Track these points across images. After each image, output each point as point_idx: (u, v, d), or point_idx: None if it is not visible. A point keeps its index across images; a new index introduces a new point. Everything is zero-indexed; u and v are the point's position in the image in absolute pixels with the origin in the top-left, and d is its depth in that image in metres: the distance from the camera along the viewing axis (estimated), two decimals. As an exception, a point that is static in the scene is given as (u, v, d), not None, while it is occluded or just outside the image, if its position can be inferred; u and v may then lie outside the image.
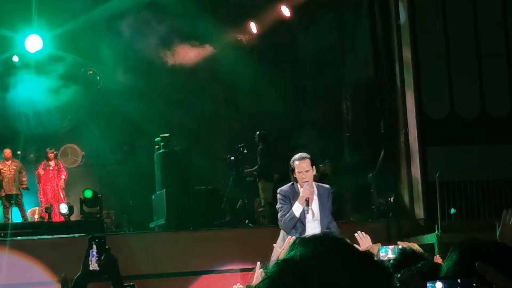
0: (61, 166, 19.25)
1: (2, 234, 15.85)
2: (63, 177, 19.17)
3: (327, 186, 9.10)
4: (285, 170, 17.58)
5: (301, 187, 8.65)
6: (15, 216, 18.76)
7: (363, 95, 18.70)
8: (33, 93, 20.09)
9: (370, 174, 17.67)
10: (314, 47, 19.17)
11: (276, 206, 8.99)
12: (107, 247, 4.03)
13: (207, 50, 20.15)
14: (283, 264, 1.70)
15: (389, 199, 17.01)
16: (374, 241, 6.16)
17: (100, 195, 18.38)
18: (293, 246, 1.74)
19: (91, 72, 20.25)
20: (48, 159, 19.01)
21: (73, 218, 18.58)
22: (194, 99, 19.28)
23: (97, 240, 4.05)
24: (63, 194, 19.13)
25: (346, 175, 18.26)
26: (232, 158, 18.40)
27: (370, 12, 18.28)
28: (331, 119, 19.46)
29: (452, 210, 15.69)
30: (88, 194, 18.44)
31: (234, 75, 18.73)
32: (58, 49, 20.06)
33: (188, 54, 20.10)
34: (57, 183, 19.03)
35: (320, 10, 19.35)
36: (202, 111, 19.21)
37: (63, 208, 18.26)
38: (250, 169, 17.90)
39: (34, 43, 19.84)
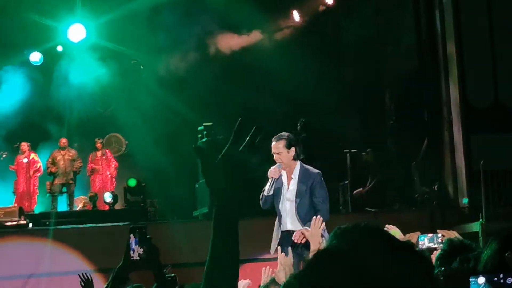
0: (110, 155, 19.43)
1: (48, 223, 16.06)
2: (113, 165, 19.36)
3: (315, 171, 8.85)
4: (328, 158, 17.67)
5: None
6: (61, 204, 18.99)
7: (407, 83, 18.58)
8: (76, 83, 20.28)
9: (414, 163, 17.57)
10: (357, 35, 19.07)
11: None
12: (148, 236, 4.05)
13: (250, 39, 20.14)
14: (323, 253, 1.69)
15: (432, 187, 16.91)
16: (418, 229, 6.12)
17: (143, 184, 18.51)
18: (334, 235, 1.73)
19: (134, 61, 20.37)
20: (96, 149, 19.22)
21: (117, 207, 18.77)
22: (236, 88, 19.27)
23: (138, 230, 4.07)
24: (113, 184, 19.32)
25: (389, 163, 18.17)
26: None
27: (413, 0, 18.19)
28: (373, 108, 19.36)
29: (465, 200, 15.61)
30: (132, 183, 18.59)
31: (277, 64, 18.70)
32: (101, 38, 20.21)
33: (230, 43, 20.11)
34: (107, 173, 19.24)
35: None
36: (244, 100, 19.20)
37: (107, 197, 18.44)
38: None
39: (77, 32, 19.99)
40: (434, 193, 16.73)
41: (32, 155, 18.99)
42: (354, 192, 17.13)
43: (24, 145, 18.87)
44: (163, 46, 19.57)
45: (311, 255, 5.79)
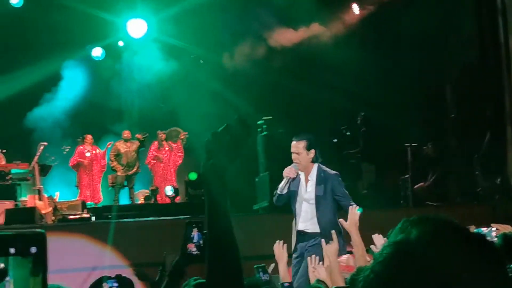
0: (175, 146, 19.57)
1: (110, 216, 16.26)
2: (180, 155, 19.51)
3: (333, 172, 8.84)
4: (388, 152, 17.57)
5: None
6: (122, 198, 19.21)
7: (468, 76, 18.36)
8: (137, 77, 20.51)
9: (476, 156, 17.37)
10: (417, 27, 18.89)
11: None
12: (205, 231, 4.09)
13: (308, 32, 20.11)
14: (396, 246, 1.67)
15: (495, 181, 16.70)
16: (480, 224, 6.07)
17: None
18: (404, 227, 1.73)
19: (194, 56, 20.51)
20: (160, 141, 19.38)
21: (178, 200, 18.91)
22: (295, 82, 19.26)
23: (195, 225, 4.11)
24: (175, 177, 19.46)
25: (451, 157, 17.99)
26: (335, 140, 18.36)
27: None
28: (434, 101, 19.17)
29: None
30: (193, 176, 18.68)
31: (335, 57, 18.64)
32: (162, 33, 20.37)
33: (289, 37, 20.11)
34: (171, 166, 19.41)
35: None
36: (303, 94, 19.20)
37: (169, 190, 18.59)
38: (353, 151, 17.83)
39: (138, 27, 20.19)
40: (497, 187, 16.52)
41: (96, 148, 19.23)
42: (415, 186, 17.00)
43: (88, 138, 19.10)
44: (223, 41, 19.66)
45: (356, 246, 5.77)
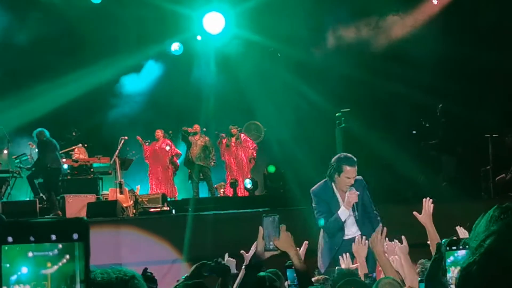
0: (247, 139, 19.60)
1: (190, 209, 16.39)
2: (252, 147, 19.52)
3: (359, 177, 8.49)
4: (468, 143, 17.32)
5: (340, 189, 8.41)
6: (202, 191, 19.34)
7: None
8: (214, 71, 20.64)
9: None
10: (496, 17, 18.58)
11: (312, 206, 8.63)
12: (281, 225, 4.10)
13: (385, 24, 19.97)
14: (497, 236, 1.61)
15: None
16: None
17: (282, 171, 18.63)
18: (498, 214, 1.67)
19: (272, 49, 20.54)
20: (231, 135, 19.42)
21: (257, 193, 18.97)
22: (371, 74, 19.12)
23: (271, 218, 4.13)
24: (249, 169, 19.49)
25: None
26: (414, 132, 18.19)
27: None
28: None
29: None
30: (272, 169, 18.73)
31: (413, 49, 18.50)
32: (239, 27, 20.43)
33: (362, 31, 20.00)
34: (243, 158, 19.43)
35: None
36: (380, 86, 19.05)
37: (248, 183, 18.68)
38: (432, 142, 17.63)
39: (214, 21, 20.28)
40: None
41: (168, 142, 19.37)
42: (497, 178, 16.71)
43: (159, 132, 19.25)
44: (299, 35, 19.62)
45: (431, 239, 5.71)
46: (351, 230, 8.54)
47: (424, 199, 6.42)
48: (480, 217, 1.69)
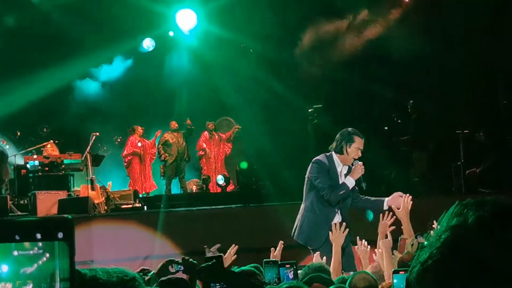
0: (224, 137, 19.61)
1: (162, 205, 16.37)
2: (229, 146, 19.56)
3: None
4: (439, 139, 17.42)
5: (343, 162, 8.50)
6: (174, 187, 19.32)
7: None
8: (186, 67, 20.62)
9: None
10: (465, 15, 18.71)
11: (310, 175, 8.62)
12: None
13: (356, 21, 20.06)
14: (453, 230, 1.62)
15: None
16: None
17: (255, 167, 18.65)
18: (459, 210, 1.67)
19: (243, 45, 20.53)
20: (209, 131, 19.43)
21: (229, 189, 18.98)
22: (342, 72, 19.19)
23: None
24: (224, 167, 19.52)
25: (503, 143, 17.76)
26: (386, 128, 18.27)
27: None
28: (486, 87, 18.94)
29: None
30: (244, 165, 18.76)
31: (385, 47, 18.59)
32: (211, 24, 20.40)
33: (336, 26, 20.06)
34: (219, 154, 19.46)
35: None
36: (351, 83, 19.13)
37: (220, 180, 18.69)
38: (404, 138, 17.71)
39: (187, 18, 20.25)
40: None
41: (144, 139, 19.32)
42: (467, 171, 16.83)
43: (139, 129, 19.21)
44: (271, 31, 19.62)
45: (406, 234, 5.79)
46: (348, 204, 8.63)
47: (404, 195, 6.47)
48: (443, 214, 1.70)
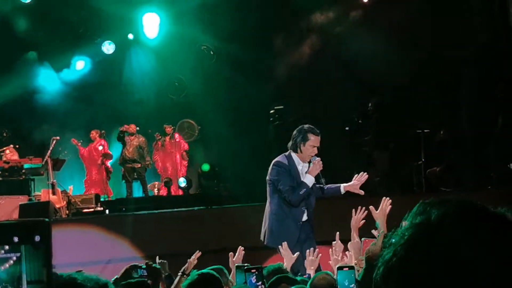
0: (179, 139, 19.55)
1: (124, 208, 16.31)
2: (186, 148, 19.51)
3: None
4: (400, 139, 17.53)
5: (302, 160, 8.49)
6: (136, 191, 19.24)
7: (480, 60, 18.29)
8: (148, 70, 20.53)
9: (489, 140, 17.30)
10: (428, 10, 18.86)
11: (271, 178, 8.59)
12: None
13: (318, 20, 20.12)
14: (417, 228, 1.63)
15: (508, 165, 16.63)
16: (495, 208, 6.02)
17: (217, 168, 18.64)
18: (422, 209, 1.69)
19: (204, 47, 20.48)
20: (166, 134, 19.37)
21: (191, 191, 18.94)
22: (304, 72, 19.26)
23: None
24: (184, 167, 19.46)
25: (464, 142, 17.93)
26: (347, 128, 18.33)
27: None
28: (447, 86, 19.09)
29: None
30: (206, 167, 18.75)
31: (345, 44, 18.69)
32: (174, 25, 20.32)
33: (300, 26, 20.11)
34: (177, 157, 19.38)
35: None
36: (313, 82, 19.19)
37: (182, 182, 18.65)
38: (365, 138, 17.81)
39: (152, 21, 20.16)
40: (510, 171, 16.45)
41: (102, 142, 19.24)
42: (428, 171, 16.97)
43: (93, 133, 19.13)
44: (237, 33, 19.60)
45: (382, 236, 5.86)
46: (313, 202, 8.63)
47: (383, 198, 6.51)
48: (407, 214, 1.72)
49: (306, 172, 8.49)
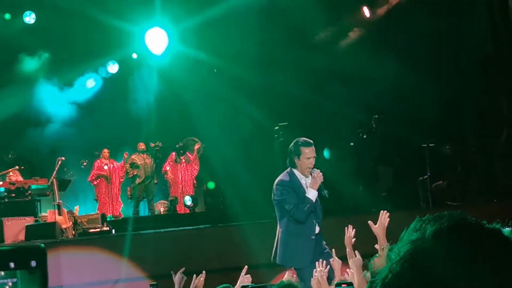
0: (192, 158, 19.54)
1: (130, 228, 16.30)
2: (197, 167, 19.52)
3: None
4: (405, 153, 17.52)
5: (303, 174, 8.49)
6: (142, 209, 19.24)
7: (483, 74, 18.30)
8: (153, 88, 20.55)
9: (494, 154, 17.28)
10: (429, 27, 18.89)
11: (277, 198, 8.60)
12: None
13: (318, 40, 20.19)
14: (412, 244, 1.66)
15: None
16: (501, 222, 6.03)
17: (222, 187, 18.63)
18: (418, 225, 1.70)
19: (208, 66, 20.52)
20: (178, 152, 19.38)
21: (197, 209, 18.92)
22: (308, 89, 19.28)
23: None
24: (192, 188, 19.44)
25: (469, 156, 17.91)
26: (352, 144, 18.33)
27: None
28: (451, 100, 19.11)
29: None
30: (211, 185, 18.73)
31: (348, 61, 18.72)
32: (180, 44, 20.34)
33: (302, 46, 20.16)
34: (188, 175, 19.39)
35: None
36: (316, 100, 19.21)
37: (188, 200, 18.63)
38: (370, 154, 17.79)
39: (157, 37, 20.14)
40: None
41: (113, 161, 19.27)
42: (434, 185, 16.93)
43: (105, 152, 19.16)
44: (242, 51, 19.63)
45: (382, 251, 5.84)
46: (319, 213, 8.60)
47: (381, 211, 6.51)
48: (405, 230, 1.74)
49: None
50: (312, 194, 8.40)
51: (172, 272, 6.65)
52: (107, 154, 19.13)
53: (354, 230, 6.86)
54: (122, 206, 19.34)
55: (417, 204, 16.78)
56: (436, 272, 1.59)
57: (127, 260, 13.40)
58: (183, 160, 19.41)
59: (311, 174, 8.45)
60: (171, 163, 19.46)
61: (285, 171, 8.63)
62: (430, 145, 17.08)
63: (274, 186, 8.60)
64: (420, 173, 17.11)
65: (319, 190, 8.44)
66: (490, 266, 1.59)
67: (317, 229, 8.56)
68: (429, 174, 16.83)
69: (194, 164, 19.59)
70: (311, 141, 8.52)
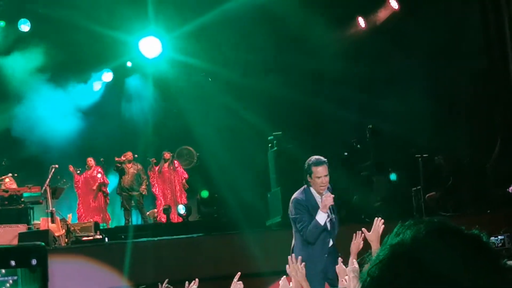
0: (179, 167, 19.53)
1: (123, 236, 16.29)
2: (185, 176, 19.50)
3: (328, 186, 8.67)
4: (402, 164, 17.55)
5: (318, 192, 8.51)
6: (135, 218, 19.22)
7: (477, 85, 18.37)
8: (147, 97, 20.57)
9: (487, 165, 17.32)
10: (425, 37, 18.96)
11: (292, 216, 8.63)
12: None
13: (316, 46, 20.19)
14: (391, 248, 1.68)
15: (507, 189, 16.63)
16: (493, 232, 6.07)
17: (216, 195, 18.63)
18: (399, 231, 1.73)
19: (203, 74, 20.55)
20: (165, 160, 19.37)
21: (191, 218, 18.91)
22: (303, 98, 19.31)
23: None
24: (184, 195, 19.43)
25: (462, 166, 17.95)
26: (346, 153, 18.35)
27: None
28: (444, 111, 19.18)
29: None
30: (205, 194, 18.73)
31: (344, 70, 18.74)
32: (174, 52, 20.38)
33: (297, 52, 20.18)
34: (176, 184, 19.37)
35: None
36: (311, 108, 19.24)
37: (181, 209, 18.62)
38: (365, 164, 17.83)
39: (151, 45, 20.18)
40: (509, 195, 16.45)
41: (99, 170, 19.24)
42: (427, 195, 16.97)
43: (90, 160, 19.13)
44: (236, 58, 19.68)
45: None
46: (334, 234, 8.61)
47: (376, 218, 6.54)
48: (387, 236, 1.78)
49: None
50: (320, 217, 8.42)
51: (159, 283, 6.65)
52: (92, 162, 19.10)
53: (363, 235, 6.86)
54: (110, 216, 19.33)
55: (411, 215, 16.80)
56: (413, 275, 1.61)
57: (120, 269, 13.40)
58: (170, 167, 19.35)
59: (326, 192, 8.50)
60: (154, 178, 19.43)
61: (302, 188, 8.67)
62: (424, 155, 17.12)
63: (291, 203, 8.67)
64: (414, 183, 17.14)
65: (329, 212, 8.48)
66: (468, 270, 1.61)
67: (331, 242, 8.59)
68: (422, 184, 16.86)
69: (179, 171, 19.50)
70: (324, 159, 8.52)
